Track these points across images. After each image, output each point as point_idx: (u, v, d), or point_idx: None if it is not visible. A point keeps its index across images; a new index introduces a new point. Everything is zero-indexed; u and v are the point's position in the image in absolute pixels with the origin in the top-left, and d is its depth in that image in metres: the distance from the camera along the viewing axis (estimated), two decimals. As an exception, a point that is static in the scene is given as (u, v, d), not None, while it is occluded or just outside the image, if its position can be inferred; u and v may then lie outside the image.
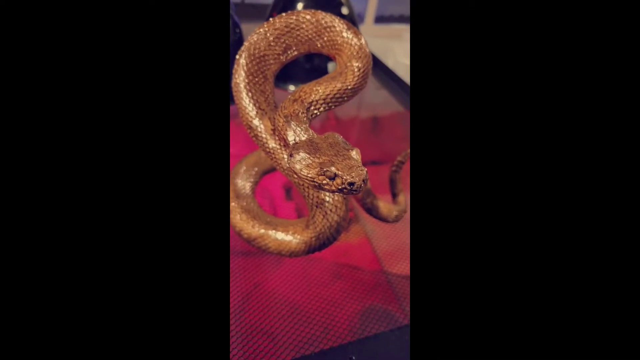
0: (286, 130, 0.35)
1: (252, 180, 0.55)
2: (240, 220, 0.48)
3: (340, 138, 0.33)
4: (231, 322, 0.50)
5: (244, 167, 0.55)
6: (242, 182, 0.54)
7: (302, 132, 0.35)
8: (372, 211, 0.53)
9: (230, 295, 0.54)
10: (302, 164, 0.31)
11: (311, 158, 0.31)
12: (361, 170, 0.29)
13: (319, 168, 0.30)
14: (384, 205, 0.53)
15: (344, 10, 0.90)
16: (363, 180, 0.29)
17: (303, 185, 0.42)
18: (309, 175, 0.31)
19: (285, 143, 0.36)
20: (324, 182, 0.30)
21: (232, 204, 0.50)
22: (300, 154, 0.31)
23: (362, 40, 0.42)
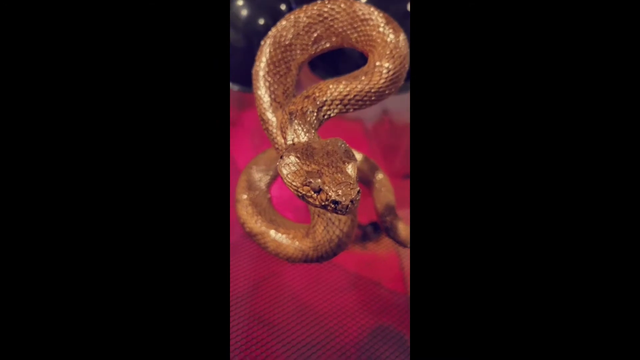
0: (286, 128, 0.32)
1: (270, 174, 0.52)
2: (245, 213, 0.46)
3: (344, 146, 0.29)
4: (237, 308, 0.50)
5: (264, 159, 0.53)
6: (259, 174, 0.52)
7: (303, 133, 0.31)
8: (390, 231, 0.48)
9: (242, 281, 0.54)
10: (289, 169, 0.27)
11: (300, 164, 0.27)
12: (350, 189, 0.25)
13: (304, 177, 0.26)
14: (404, 227, 0.48)
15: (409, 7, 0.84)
16: (351, 201, 0.25)
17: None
18: (294, 183, 0.27)
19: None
20: (308, 194, 0.26)
21: (243, 196, 0.48)
22: (291, 157, 0.28)
23: (401, 38, 0.37)
